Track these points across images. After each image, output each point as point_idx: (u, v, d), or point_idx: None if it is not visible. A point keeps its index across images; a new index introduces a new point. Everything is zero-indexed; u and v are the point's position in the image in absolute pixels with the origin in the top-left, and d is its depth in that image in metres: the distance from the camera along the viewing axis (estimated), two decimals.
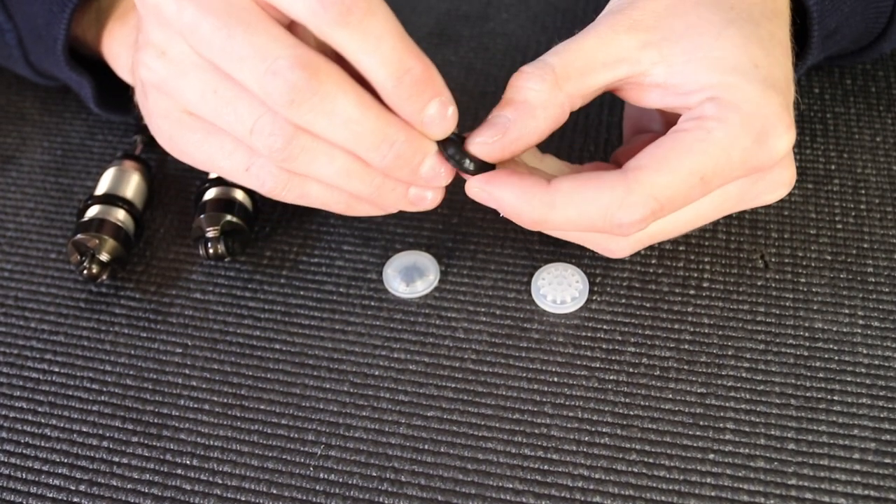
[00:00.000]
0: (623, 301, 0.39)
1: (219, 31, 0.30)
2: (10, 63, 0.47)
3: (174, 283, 0.42)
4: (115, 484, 0.35)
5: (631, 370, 0.37)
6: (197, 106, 0.32)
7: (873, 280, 0.39)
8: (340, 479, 0.35)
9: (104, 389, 0.38)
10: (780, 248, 0.41)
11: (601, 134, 0.46)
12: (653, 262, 0.41)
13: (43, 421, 0.37)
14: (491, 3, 0.54)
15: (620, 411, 0.36)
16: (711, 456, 0.34)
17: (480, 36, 0.52)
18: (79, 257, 0.40)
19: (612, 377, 0.37)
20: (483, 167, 0.33)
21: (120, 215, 0.42)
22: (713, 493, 0.33)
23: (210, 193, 0.41)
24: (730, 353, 0.37)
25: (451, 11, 0.54)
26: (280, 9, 0.30)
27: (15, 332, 0.40)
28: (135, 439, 0.36)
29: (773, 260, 0.40)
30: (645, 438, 0.35)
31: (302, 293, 0.41)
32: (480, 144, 0.33)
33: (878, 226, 0.41)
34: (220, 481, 0.35)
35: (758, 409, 0.35)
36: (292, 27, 0.31)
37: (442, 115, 0.31)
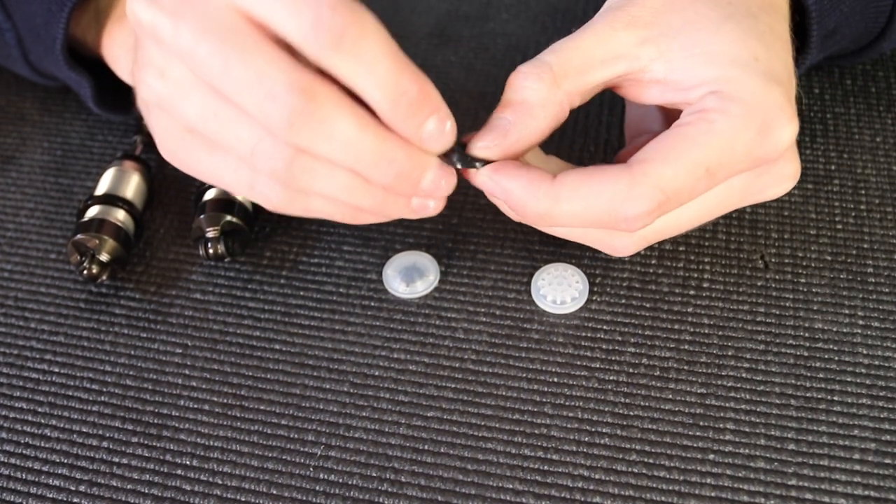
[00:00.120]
0: (623, 301, 0.39)
1: (216, 56, 0.30)
2: (10, 63, 0.47)
3: (174, 284, 0.42)
4: (114, 484, 0.35)
5: (631, 370, 0.37)
6: (198, 126, 0.32)
7: (873, 280, 0.39)
8: (340, 480, 0.35)
9: (104, 390, 0.38)
10: (780, 248, 0.41)
11: (601, 134, 0.46)
12: (653, 262, 0.41)
13: (43, 421, 0.37)
14: (491, 4, 0.54)
15: (620, 412, 0.36)
16: (711, 456, 0.34)
17: (480, 36, 0.52)
18: (79, 257, 0.40)
19: (612, 377, 0.37)
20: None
21: (120, 215, 0.42)
22: (713, 494, 0.33)
23: (210, 194, 0.41)
24: (730, 353, 0.37)
25: (451, 12, 0.54)
26: (275, 31, 0.30)
27: (15, 332, 0.40)
28: (135, 440, 0.36)
29: (773, 260, 0.40)
30: (645, 439, 0.35)
31: (302, 293, 0.41)
32: (483, 149, 0.33)
33: (878, 226, 0.41)
34: (219, 482, 0.35)
35: (758, 409, 0.35)
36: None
37: (440, 131, 0.32)
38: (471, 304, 0.40)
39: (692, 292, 0.39)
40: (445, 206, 0.41)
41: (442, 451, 0.35)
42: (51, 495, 0.35)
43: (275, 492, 0.34)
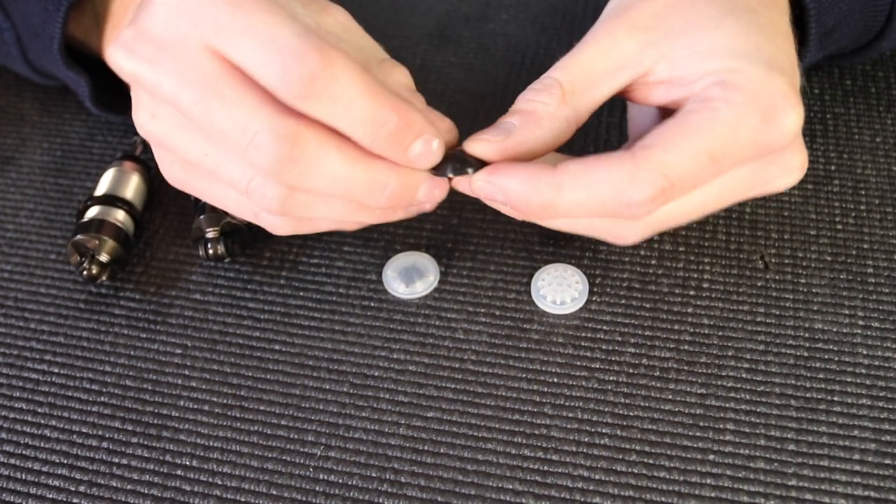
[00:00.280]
0: (623, 302, 0.39)
1: (197, 104, 0.31)
2: (9, 62, 0.47)
3: (174, 284, 0.42)
4: (114, 485, 0.35)
5: (631, 371, 0.37)
6: (195, 162, 0.33)
7: (873, 281, 0.39)
8: (340, 480, 0.35)
9: (104, 390, 0.38)
10: (780, 248, 0.41)
11: (601, 134, 0.46)
12: (652, 262, 0.41)
13: (42, 422, 0.37)
14: (491, 4, 0.54)
15: (620, 412, 0.36)
16: (711, 457, 0.34)
17: (480, 37, 0.52)
18: (78, 258, 0.40)
19: (611, 378, 0.37)
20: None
21: (119, 216, 0.42)
22: (713, 494, 0.33)
23: None
24: (730, 353, 0.37)
25: (450, 12, 0.54)
26: (251, 76, 0.30)
27: (14, 332, 0.40)
28: (134, 440, 0.36)
29: (772, 261, 0.40)
30: (645, 439, 0.35)
31: (301, 294, 0.41)
32: (482, 142, 0.33)
33: (878, 226, 0.41)
34: (219, 482, 0.35)
35: (758, 409, 0.35)
36: None
37: (427, 152, 0.32)
38: (470, 304, 0.40)
39: (692, 293, 0.39)
40: (445, 207, 0.41)
41: (442, 451, 0.35)
42: (50, 496, 0.35)
43: (274, 492, 0.34)
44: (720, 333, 0.38)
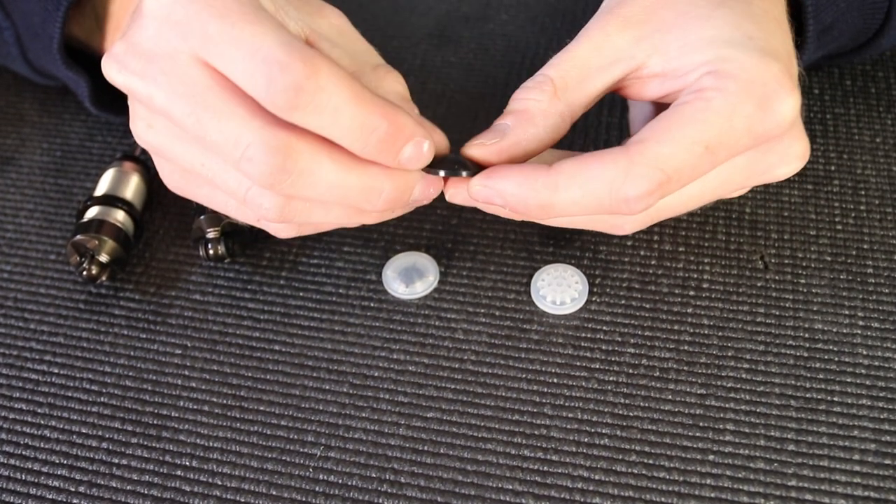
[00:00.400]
0: (623, 302, 0.39)
1: (188, 117, 0.31)
2: (9, 61, 0.47)
3: (174, 285, 0.42)
4: (114, 485, 0.35)
5: (630, 371, 0.37)
6: (193, 171, 0.33)
7: (873, 281, 0.39)
8: (340, 481, 0.35)
9: (104, 391, 0.38)
10: (780, 249, 0.41)
11: (601, 134, 0.46)
12: (652, 263, 0.41)
13: (42, 422, 0.37)
14: (490, 5, 0.54)
15: (620, 412, 0.36)
16: (711, 457, 0.34)
17: (480, 37, 0.52)
18: (78, 258, 0.40)
19: (611, 378, 0.37)
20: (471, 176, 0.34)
21: (119, 216, 0.42)
22: (713, 495, 0.33)
23: None
24: (729, 354, 0.37)
25: (450, 12, 0.54)
26: (240, 87, 0.30)
27: (14, 333, 0.40)
28: (134, 440, 0.36)
29: (772, 261, 0.40)
30: (644, 440, 0.35)
31: (301, 294, 0.41)
32: (478, 146, 0.33)
33: (877, 227, 0.41)
34: (219, 482, 0.35)
35: (757, 410, 0.35)
36: None
37: (418, 155, 0.32)
38: (470, 304, 0.40)
39: (692, 293, 0.39)
40: (445, 207, 0.41)
41: (441, 451, 0.35)
42: (50, 496, 0.35)
43: (274, 492, 0.34)
44: (720, 334, 0.38)
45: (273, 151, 0.30)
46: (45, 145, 0.49)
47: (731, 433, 0.35)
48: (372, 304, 0.40)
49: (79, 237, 0.40)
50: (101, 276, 0.40)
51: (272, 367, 0.38)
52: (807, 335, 0.38)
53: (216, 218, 0.40)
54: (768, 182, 0.35)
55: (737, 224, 0.42)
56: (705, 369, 0.37)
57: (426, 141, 0.32)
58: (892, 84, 0.47)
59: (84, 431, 0.37)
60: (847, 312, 0.38)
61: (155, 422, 0.37)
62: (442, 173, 0.33)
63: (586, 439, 0.35)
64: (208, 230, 0.40)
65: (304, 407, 0.37)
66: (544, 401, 0.36)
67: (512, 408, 0.36)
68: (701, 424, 0.35)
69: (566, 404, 0.36)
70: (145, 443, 0.36)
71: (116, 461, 0.36)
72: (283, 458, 0.35)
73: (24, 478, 0.36)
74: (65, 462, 0.36)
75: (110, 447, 0.36)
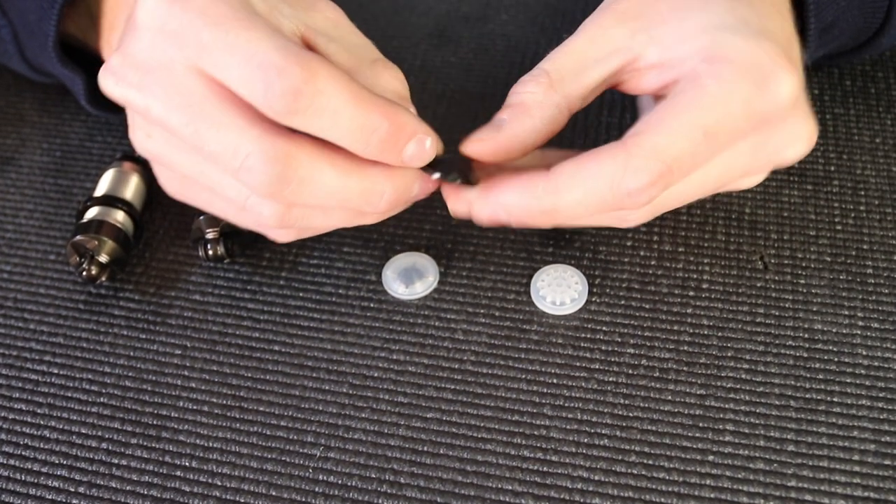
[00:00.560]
0: (622, 302, 0.39)
1: (186, 128, 0.30)
2: (7, 59, 0.47)
3: (173, 285, 0.42)
4: (114, 486, 0.35)
5: (630, 372, 0.37)
6: (192, 178, 0.33)
7: (873, 281, 0.39)
8: (339, 481, 0.35)
9: (103, 391, 0.38)
10: (780, 249, 0.41)
11: (601, 134, 0.46)
12: (652, 263, 0.41)
13: (42, 422, 0.37)
14: (490, 5, 0.54)
15: (620, 413, 0.36)
16: (711, 457, 0.34)
17: (480, 37, 0.52)
18: (78, 259, 0.40)
19: (611, 379, 0.37)
20: (466, 180, 0.34)
21: (119, 217, 0.42)
22: (712, 495, 0.33)
23: None
24: (729, 354, 0.37)
25: (450, 13, 0.54)
26: (238, 95, 0.30)
27: (14, 333, 0.40)
28: (134, 441, 0.36)
29: (772, 261, 0.40)
30: (644, 440, 0.35)
31: (301, 295, 0.41)
32: (476, 142, 0.33)
33: (877, 227, 0.41)
34: (219, 483, 0.35)
35: (757, 410, 0.35)
36: None
37: (421, 152, 0.32)
38: (470, 305, 0.40)
39: (691, 293, 0.39)
40: (445, 207, 0.41)
41: (441, 452, 0.35)
42: (50, 496, 0.35)
43: (274, 493, 0.34)
44: (719, 334, 0.38)
45: (272, 161, 0.30)
46: (45, 145, 0.49)
47: (731, 433, 0.35)
48: (372, 305, 0.40)
49: (78, 237, 0.40)
50: (101, 276, 0.40)
51: (272, 367, 0.38)
52: (806, 335, 0.38)
53: (215, 218, 0.40)
54: (778, 166, 0.35)
55: (736, 224, 0.42)
56: (705, 370, 0.37)
57: (428, 137, 0.32)
58: (892, 84, 0.47)
59: (84, 432, 0.37)
60: (847, 313, 0.38)
61: (155, 422, 0.37)
62: (436, 175, 0.33)
63: (586, 440, 0.35)
64: (208, 230, 0.40)
65: (303, 407, 0.37)
66: (544, 401, 0.36)
67: (512, 408, 0.36)
68: (700, 425, 0.35)
69: (566, 405, 0.36)
70: (145, 443, 0.36)
71: (116, 461, 0.36)
72: (283, 458, 0.35)
73: (23, 478, 0.36)
74: (64, 462, 0.36)
75: (110, 447, 0.36)
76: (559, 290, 0.40)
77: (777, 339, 0.38)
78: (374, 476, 0.35)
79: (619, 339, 0.38)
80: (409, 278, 0.41)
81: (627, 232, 0.42)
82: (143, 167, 0.45)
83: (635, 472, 0.34)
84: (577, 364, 0.37)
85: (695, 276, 0.40)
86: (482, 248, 0.42)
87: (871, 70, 0.48)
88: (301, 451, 0.36)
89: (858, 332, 0.38)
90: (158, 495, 0.35)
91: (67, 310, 0.41)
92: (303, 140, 0.30)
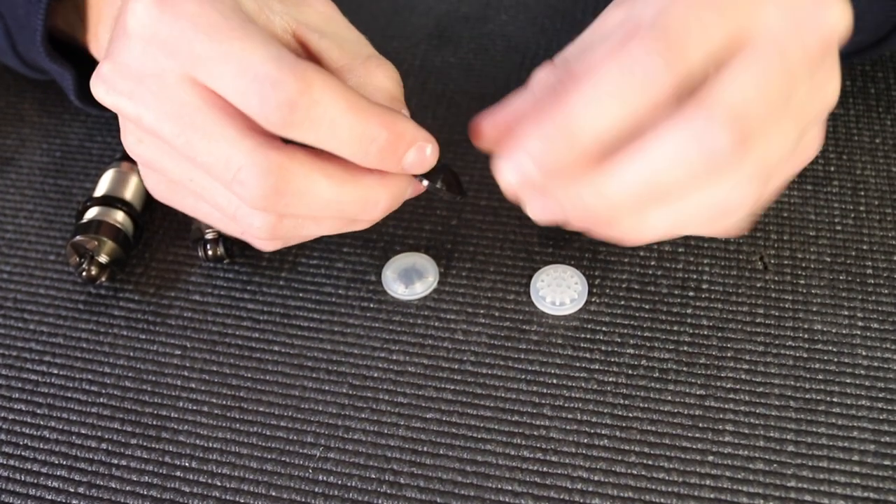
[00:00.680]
0: (622, 303, 0.39)
1: (178, 138, 0.30)
2: (1, 55, 0.47)
3: (173, 285, 0.42)
4: (113, 486, 0.35)
5: (630, 372, 0.37)
6: (181, 183, 0.33)
7: (872, 282, 0.39)
8: (339, 481, 0.35)
9: (103, 391, 0.38)
10: (780, 249, 0.41)
11: None
12: (652, 263, 0.41)
13: (42, 423, 0.37)
14: (490, 5, 0.54)
15: (619, 413, 0.36)
16: (710, 458, 0.34)
17: (480, 37, 0.52)
18: (78, 259, 0.40)
19: (611, 379, 0.37)
20: (458, 189, 0.34)
21: (119, 217, 0.42)
22: (712, 496, 0.33)
23: None
24: (729, 354, 0.37)
25: (450, 13, 0.54)
26: (232, 105, 0.30)
27: (14, 333, 0.40)
28: (134, 441, 0.36)
29: (772, 262, 0.40)
30: (644, 440, 0.35)
31: (301, 295, 0.41)
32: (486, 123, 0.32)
33: (877, 227, 0.41)
34: (218, 483, 0.35)
35: (757, 410, 0.35)
36: None
37: (421, 159, 0.32)
38: (470, 305, 0.40)
39: (691, 294, 0.39)
40: (444, 208, 0.41)
41: (441, 452, 0.35)
42: (50, 497, 0.35)
43: (273, 493, 0.34)
44: (719, 334, 0.38)
45: (265, 174, 0.29)
46: (44, 146, 0.49)
47: (731, 434, 0.35)
48: (371, 305, 0.40)
49: (78, 238, 0.40)
50: (101, 276, 0.40)
51: (272, 367, 0.38)
52: (806, 336, 0.38)
53: None
54: (826, 112, 0.32)
55: None
56: (704, 370, 0.37)
57: (428, 145, 0.31)
58: (892, 84, 0.47)
59: (83, 432, 0.37)
60: (846, 313, 0.38)
61: (154, 422, 0.37)
62: (425, 183, 0.33)
63: (586, 440, 0.35)
64: (207, 231, 0.40)
65: (303, 408, 0.37)
66: (544, 401, 0.36)
67: (511, 408, 0.36)
68: (700, 425, 0.35)
69: (565, 405, 0.36)
70: (145, 443, 0.36)
71: (116, 462, 0.36)
72: (283, 458, 0.35)
73: (23, 478, 0.36)
74: (64, 462, 0.36)
75: (110, 448, 0.36)
76: (559, 291, 0.40)
77: (777, 339, 0.38)
78: (373, 476, 0.35)
79: (619, 340, 0.38)
80: (409, 279, 0.41)
81: None
82: None
83: (635, 472, 0.34)
84: (577, 364, 0.37)
85: (695, 276, 0.40)
86: (482, 248, 0.42)
87: (871, 70, 0.48)
88: (301, 451, 0.36)
89: (858, 332, 0.38)
90: (158, 495, 0.35)
91: (67, 310, 0.41)
92: (297, 151, 0.30)
